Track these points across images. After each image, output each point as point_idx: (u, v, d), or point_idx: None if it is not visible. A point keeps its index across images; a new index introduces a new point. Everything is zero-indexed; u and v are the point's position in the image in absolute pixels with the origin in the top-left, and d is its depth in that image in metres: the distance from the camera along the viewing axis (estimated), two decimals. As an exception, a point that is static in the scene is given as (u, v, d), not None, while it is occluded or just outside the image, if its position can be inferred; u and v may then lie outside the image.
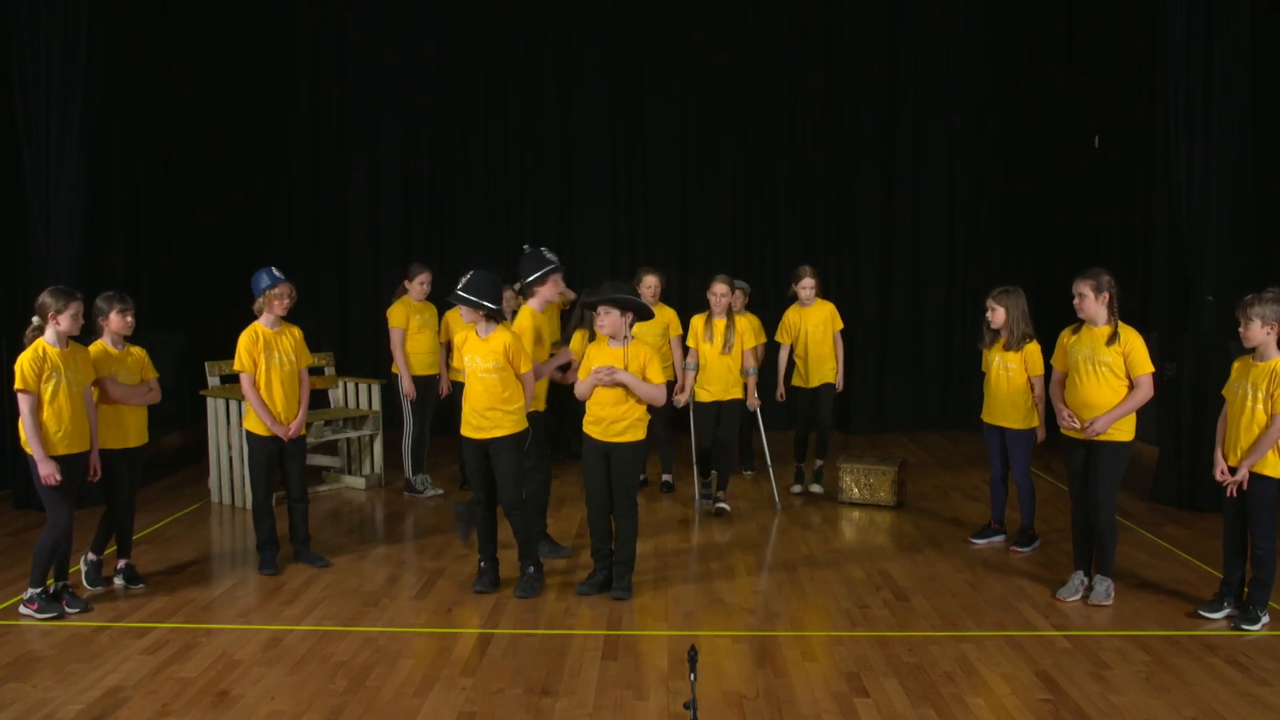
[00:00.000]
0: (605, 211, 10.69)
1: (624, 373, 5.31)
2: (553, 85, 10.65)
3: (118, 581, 5.70)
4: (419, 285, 7.76)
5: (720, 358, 7.14)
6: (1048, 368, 5.85)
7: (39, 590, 5.20)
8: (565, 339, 6.81)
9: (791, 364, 7.88)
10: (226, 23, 10.44)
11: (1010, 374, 6.21)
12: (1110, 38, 9.66)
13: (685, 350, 7.40)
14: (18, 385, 5.05)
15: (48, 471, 5.03)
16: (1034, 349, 6.21)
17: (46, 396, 5.08)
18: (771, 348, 8.15)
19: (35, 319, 5.17)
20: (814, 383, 7.72)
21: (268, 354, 5.81)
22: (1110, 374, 5.29)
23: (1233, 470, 5.02)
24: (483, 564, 5.65)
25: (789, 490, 7.83)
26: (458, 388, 7.58)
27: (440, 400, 7.99)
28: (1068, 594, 5.48)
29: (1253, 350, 5.01)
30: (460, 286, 5.40)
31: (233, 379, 7.71)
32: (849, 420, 10.51)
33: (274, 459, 5.90)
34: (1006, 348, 6.23)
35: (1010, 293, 6.28)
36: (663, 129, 10.68)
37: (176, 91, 9.80)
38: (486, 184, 10.69)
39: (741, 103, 10.66)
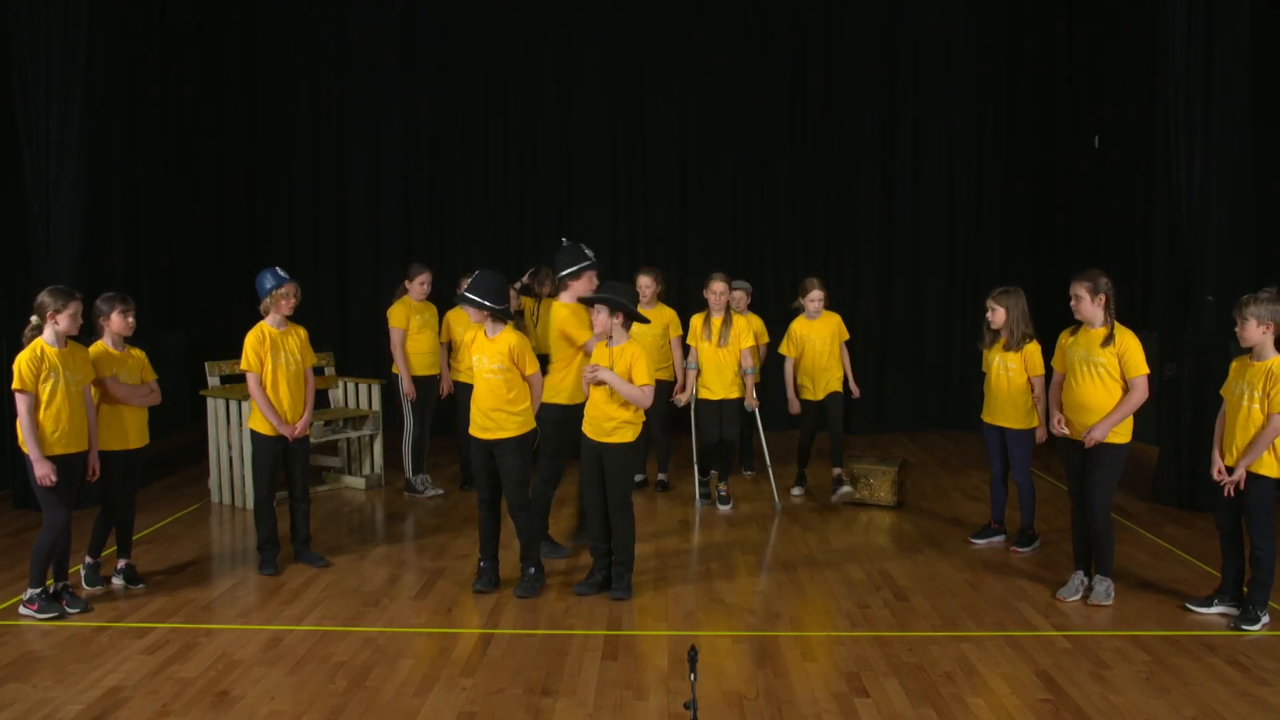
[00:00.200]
0: (605, 211, 10.69)
1: (607, 371, 5.33)
2: (553, 85, 10.65)
3: (118, 581, 5.70)
4: (419, 285, 7.76)
5: (720, 358, 7.14)
6: (1048, 368, 5.85)
7: (39, 590, 5.20)
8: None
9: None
10: (226, 23, 10.45)
11: (1010, 374, 6.21)
12: (1110, 38, 9.66)
13: (686, 350, 7.40)
14: (15, 385, 5.04)
15: (43, 472, 5.03)
16: (1034, 349, 6.21)
17: (44, 396, 5.08)
18: (775, 359, 8.05)
19: (34, 318, 5.16)
20: (821, 394, 7.60)
21: (274, 354, 5.83)
22: (1106, 375, 5.29)
23: (1229, 470, 5.03)
24: (483, 564, 5.65)
25: (789, 491, 7.82)
26: (459, 387, 7.60)
27: (441, 400, 8.00)
28: (1068, 594, 5.48)
29: (1250, 350, 5.02)
30: (465, 287, 5.44)
31: (233, 379, 7.72)
32: (849, 420, 10.42)
33: (278, 459, 5.92)
34: (1007, 348, 6.23)
35: (1010, 293, 6.28)
36: (663, 129, 10.68)
37: (176, 91, 9.80)
38: (486, 184, 10.70)
39: (741, 103, 10.67)
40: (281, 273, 5.91)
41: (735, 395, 7.22)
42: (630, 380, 5.32)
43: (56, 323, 5.13)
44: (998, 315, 6.26)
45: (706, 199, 10.71)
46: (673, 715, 4.11)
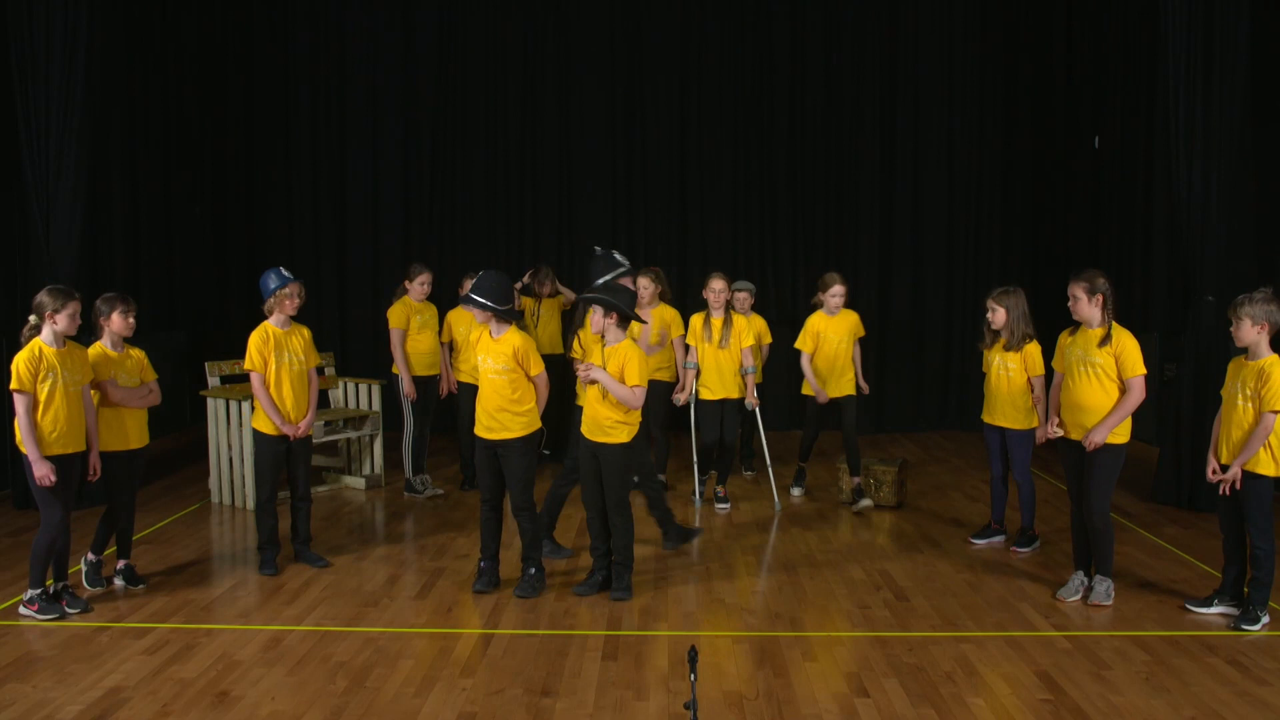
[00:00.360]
0: (605, 211, 10.69)
1: (600, 370, 5.34)
2: (553, 85, 10.65)
3: (118, 582, 5.70)
4: (419, 286, 7.76)
5: (720, 358, 7.14)
6: (1048, 368, 5.85)
7: (39, 591, 5.20)
8: (568, 339, 6.82)
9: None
10: (226, 23, 10.45)
11: (1010, 374, 6.21)
12: (1110, 38, 9.66)
13: (686, 349, 7.40)
14: (13, 385, 5.04)
15: (42, 472, 5.03)
16: (1034, 349, 6.21)
17: (43, 397, 5.07)
18: (789, 354, 7.91)
19: (32, 318, 5.16)
20: (833, 394, 7.44)
21: (278, 354, 5.84)
22: (1103, 375, 5.29)
23: (1224, 469, 5.04)
24: (483, 564, 5.65)
25: (789, 491, 7.82)
26: (461, 387, 7.59)
27: (441, 400, 8.00)
28: (1068, 594, 5.48)
29: (1245, 350, 5.03)
30: (470, 287, 5.48)
31: (233, 379, 7.72)
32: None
33: (280, 458, 5.93)
34: (1007, 348, 6.23)
35: (1010, 293, 6.29)
36: (663, 129, 10.67)
37: (176, 91, 9.80)
38: (486, 183, 10.69)
39: (741, 102, 10.66)
40: (286, 273, 5.93)
41: (735, 395, 7.22)
42: (622, 380, 5.33)
43: (55, 323, 5.12)
44: (998, 315, 6.26)
45: (706, 199, 10.70)
46: (673, 715, 4.11)
